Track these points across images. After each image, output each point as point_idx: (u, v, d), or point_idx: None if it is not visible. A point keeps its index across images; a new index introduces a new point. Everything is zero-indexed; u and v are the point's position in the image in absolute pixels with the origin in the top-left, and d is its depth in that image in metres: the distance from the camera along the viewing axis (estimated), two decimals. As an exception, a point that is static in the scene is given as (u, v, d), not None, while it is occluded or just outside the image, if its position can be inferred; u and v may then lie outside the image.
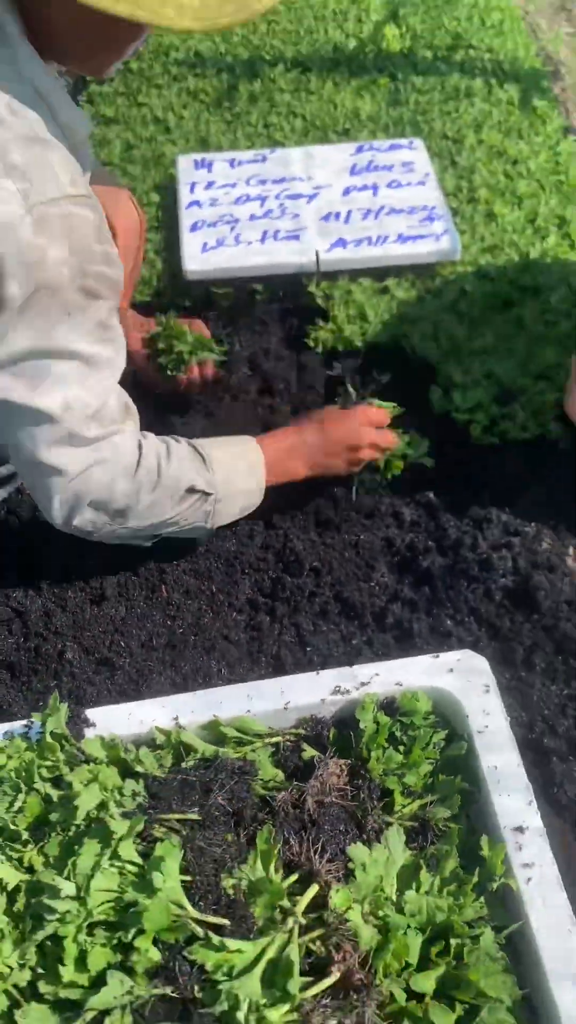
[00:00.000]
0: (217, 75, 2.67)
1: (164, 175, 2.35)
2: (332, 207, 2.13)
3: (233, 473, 1.46)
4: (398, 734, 0.97)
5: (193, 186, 2.19)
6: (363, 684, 1.01)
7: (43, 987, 0.80)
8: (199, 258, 2.02)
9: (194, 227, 2.08)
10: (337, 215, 2.11)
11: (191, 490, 1.40)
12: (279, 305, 2.06)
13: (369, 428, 1.60)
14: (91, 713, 1.00)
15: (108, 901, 0.82)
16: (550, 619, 1.50)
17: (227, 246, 2.04)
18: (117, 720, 0.99)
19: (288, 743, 0.99)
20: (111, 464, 1.30)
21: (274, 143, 2.43)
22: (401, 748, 0.96)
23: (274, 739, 0.99)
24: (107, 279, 1.23)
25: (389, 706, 1.00)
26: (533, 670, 1.47)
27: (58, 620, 1.55)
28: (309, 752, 0.97)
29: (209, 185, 2.19)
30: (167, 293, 2.07)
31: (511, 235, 2.14)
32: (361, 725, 0.97)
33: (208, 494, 1.42)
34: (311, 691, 1.01)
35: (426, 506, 1.70)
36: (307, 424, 1.59)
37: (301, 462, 1.56)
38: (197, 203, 2.14)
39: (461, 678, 1.00)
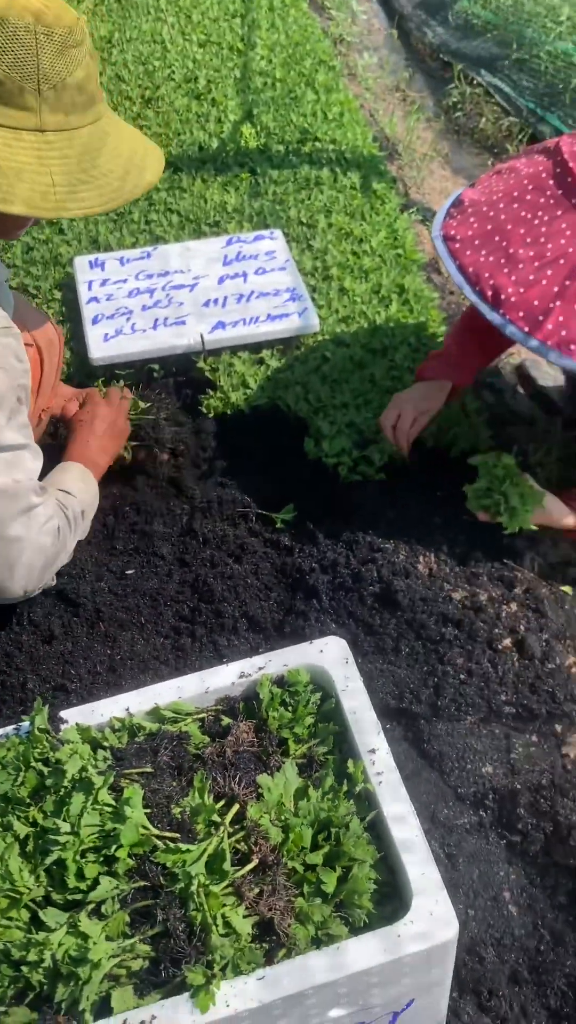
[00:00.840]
0: (101, 180, 3.04)
1: (63, 274, 2.70)
2: (210, 294, 2.52)
3: (86, 492, 1.91)
4: (287, 699, 1.34)
5: (90, 284, 2.56)
6: (260, 668, 1.39)
7: (55, 896, 1.15)
8: (102, 347, 2.38)
9: (95, 320, 2.45)
10: (215, 301, 2.50)
11: (82, 515, 1.85)
12: (174, 379, 2.41)
13: (106, 406, 2.07)
14: (63, 714, 1.35)
15: (93, 833, 1.17)
16: (409, 614, 1.88)
17: (125, 335, 2.41)
18: (83, 716, 1.35)
19: (210, 716, 1.36)
20: (48, 529, 1.68)
21: (156, 238, 2.81)
22: (290, 709, 1.33)
23: (200, 715, 1.36)
24: (27, 389, 1.61)
25: (280, 681, 1.37)
26: (400, 654, 1.86)
27: (17, 659, 1.87)
28: (226, 721, 1.34)
29: (104, 282, 2.56)
30: (76, 377, 2.41)
31: (360, 306, 2.55)
32: (261, 696, 1.34)
33: (84, 511, 1.87)
34: (224, 678, 1.38)
35: (308, 535, 2.08)
36: (85, 432, 2.03)
37: (101, 458, 2.02)
38: (95, 299, 2.51)
39: (328, 656, 1.39)
